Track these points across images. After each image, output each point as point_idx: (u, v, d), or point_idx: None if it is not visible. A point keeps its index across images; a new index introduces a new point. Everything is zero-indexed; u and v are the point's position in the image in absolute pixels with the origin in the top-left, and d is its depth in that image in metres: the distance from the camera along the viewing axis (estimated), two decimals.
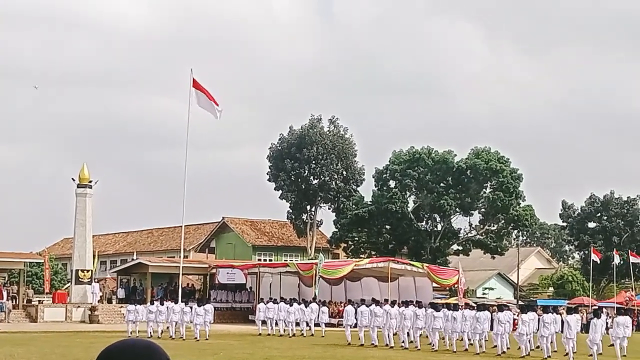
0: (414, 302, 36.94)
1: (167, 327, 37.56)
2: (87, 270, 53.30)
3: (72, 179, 53.75)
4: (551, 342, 29.78)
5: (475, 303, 48.67)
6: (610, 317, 37.34)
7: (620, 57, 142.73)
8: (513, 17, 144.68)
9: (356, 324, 35.22)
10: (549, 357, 28.23)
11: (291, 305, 40.93)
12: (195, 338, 35.37)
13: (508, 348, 30.06)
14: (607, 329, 31.09)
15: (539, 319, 29.73)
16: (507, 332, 30.49)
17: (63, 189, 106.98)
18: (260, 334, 39.84)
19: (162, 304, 38.49)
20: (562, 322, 31.08)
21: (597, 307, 39.77)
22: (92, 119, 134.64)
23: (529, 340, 30.03)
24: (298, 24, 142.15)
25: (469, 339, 31.58)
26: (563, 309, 43.68)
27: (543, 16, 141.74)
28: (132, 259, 64.17)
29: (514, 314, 36.70)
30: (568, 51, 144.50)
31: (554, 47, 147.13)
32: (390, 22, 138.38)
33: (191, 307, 37.46)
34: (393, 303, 36.36)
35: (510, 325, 31.33)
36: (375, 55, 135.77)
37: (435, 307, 34.19)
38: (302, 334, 39.64)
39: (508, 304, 42.63)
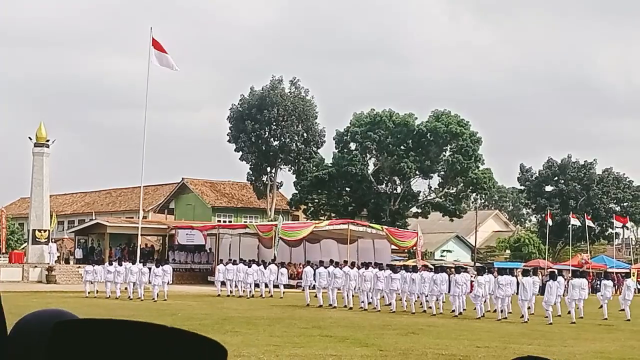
0: (372, 264, 37.13)
1: (126, 288, 37.43)
2: (45, 230, 52.83)
3: (29, 137, 53.06)
4: (507, 304, 30.12)
5: (433, 265, 49.13)
6: (566, 280, 37.88)
7: (577, 24, 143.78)
8: None
9: (314, 286, 35.38)
10: (505, 318, 28.59)
11: (250, 267, 40.98)
12: (153, 299, 35.31)
13: (464, 309, 30.42)
14: (564, 291, 31.52)
15: (494, 280, 30.04)
16: (464, 293, 30.84)
17: (20, 149, 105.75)
18: (219, 295, 39.90)
19: (120, 264, 38.30)
20: (518, 284, 31.51)
21: (552, 270, 40.31)
22: (50, 80, 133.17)
23: (485, 302, 30.43)
24: None
25: (427, 301, 31.89)
26: (519, 271, 44.26)
27: None
28: (90, 219, 63.75)
29: (471, 276, 37.10)
30: (525, 18, 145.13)
31: (511, 13, 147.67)
32: None
33: (149, 268, 37.33)
34: (352, 264, 36.50)
35: (467, 287, 31.66)
36: (335, 20, 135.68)
37: (393, 268, 34.42)
38: (261, 295, 39.77)
39: (465, 266, 43.07)
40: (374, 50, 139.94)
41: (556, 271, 36.57)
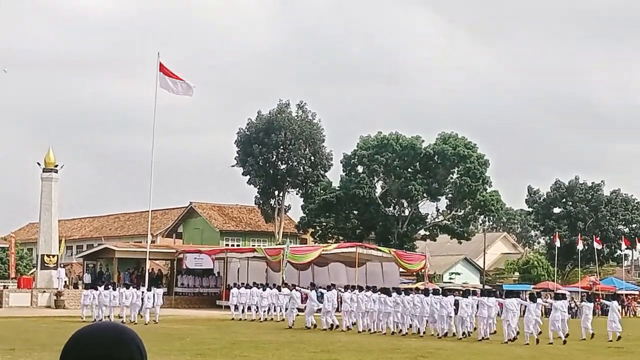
0: (391, 289, 37.04)
1: (138, 315, 37.36)
2: (53, 255, 52.86)
3: (38, 163, 53.23)
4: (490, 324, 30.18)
5: (441, 288, 48.95)
6: (574, 302, 37.86)
7: (578, 45, 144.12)
8: (470, 4, 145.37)
9: (319, 309, 35.37)
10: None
11: (264, 290, 41.08)
12: (143, 320, 35.29)
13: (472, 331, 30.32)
14: (546, 312, 31.49)
15: (477, 303, 30.27)
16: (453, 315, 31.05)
17: (29, 174, 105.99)
18: (233, 319, 39.95)
19: (114, 289, 38.26)
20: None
21: (532, 292, 40.24)
22: (58, 105, 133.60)
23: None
24: (260, 9, 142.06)
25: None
26: (527, 294, 44.02)
27: (498, 3, 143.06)
28: (99, 244, 63.76)
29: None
30: (524, 40, 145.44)
31: (510, 34, 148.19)
32: (351, 9, 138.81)
33: (142, 292, 37.40)
34: (375, 289, 36.35)
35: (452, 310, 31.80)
36: (339, 44, 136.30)
37: (387, 292, 34.27)
38: (278, 319, 39.89)
39: (452, 289, 42.90)
40: (379, 73, 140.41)
41: (535, 293, 36.84)
